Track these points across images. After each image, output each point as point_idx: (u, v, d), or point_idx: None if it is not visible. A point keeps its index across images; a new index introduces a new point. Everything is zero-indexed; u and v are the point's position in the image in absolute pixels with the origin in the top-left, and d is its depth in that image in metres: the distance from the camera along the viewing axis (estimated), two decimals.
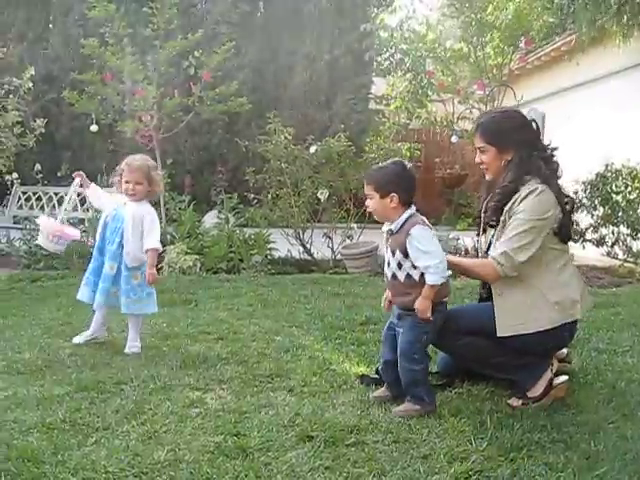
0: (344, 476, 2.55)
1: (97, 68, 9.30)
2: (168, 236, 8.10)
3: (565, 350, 3.75)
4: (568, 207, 3.38)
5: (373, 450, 2.78)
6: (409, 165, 3.34)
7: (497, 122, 3.49)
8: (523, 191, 3.26)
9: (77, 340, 4.47)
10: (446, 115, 11.97)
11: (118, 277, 4.34)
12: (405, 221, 3.21)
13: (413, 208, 3.25)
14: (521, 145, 3.37)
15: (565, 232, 3.33)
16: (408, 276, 3.22)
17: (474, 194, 11.84)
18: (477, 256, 3.69)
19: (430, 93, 12.73)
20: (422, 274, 3.17)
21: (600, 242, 7.93)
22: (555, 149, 3.49)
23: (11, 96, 9.17)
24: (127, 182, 4.31)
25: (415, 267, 3.18)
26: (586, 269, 7.31)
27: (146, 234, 4.33)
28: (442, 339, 3.41)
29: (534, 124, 3.49)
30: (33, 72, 9.49)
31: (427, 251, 3.14)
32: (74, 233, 4.64)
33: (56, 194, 10.29)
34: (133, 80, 8.62)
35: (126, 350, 4.31)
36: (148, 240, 4.32)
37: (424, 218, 3.25)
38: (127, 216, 4.32)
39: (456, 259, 3.47)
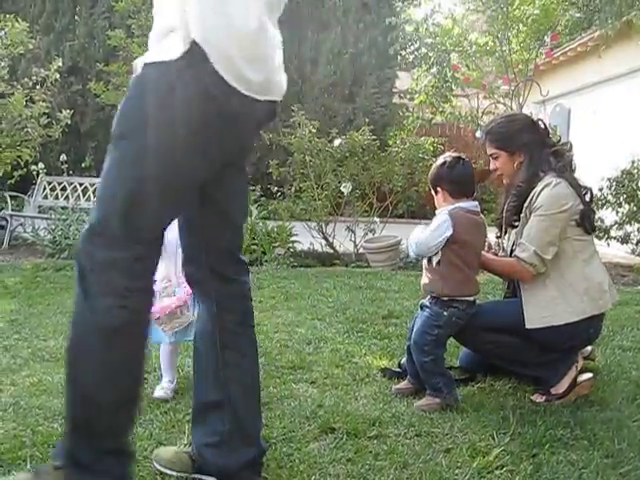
0: (366, 468, 2.56)
1: (123, 59, 9.35)
2: None
3: (589, 347, 3.73)
4: (587, 197, 3.37)
5: (395, 443, 2.78)
6: (458, 162, 3.33)
7: (503, 127, 3.53)
8: (538, 186, 3.29)
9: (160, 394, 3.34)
10: (471, 110, 11.92)
11: None
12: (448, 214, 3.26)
13: (465, 204, 3.27)
14: (530, 145, 3.41)
15: (588, 222, 3.32)
16: (430, 260, 3.31)
17: (497, 189, 11.78)
18: (498, 253, 3.68)
19: (455, 88, 12.67)
20: (438, 261, 3.24)
21: (625, 239, 7.86)
22: (566, 144, 3.51)
23: (38, 87, 9.24)
24: None
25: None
26: (610, 266, 7.25)
27: None
28: (466, 335, 3.42)
29: (541, 123, 3.54)
30: (61, 64, 9.55)
31: (427, 231, 3.26)
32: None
33: (81, 184, 10.37)
34: None
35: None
36: None
37: (469, 216, 3.27)
38: None
39: (488, 259, 3.45)
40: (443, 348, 3.36)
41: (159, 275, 3.11)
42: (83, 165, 13.25)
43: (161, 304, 3.23)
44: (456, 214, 3.22)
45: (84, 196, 10.09)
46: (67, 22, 13.77)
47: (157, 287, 3.13)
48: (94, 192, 10.09)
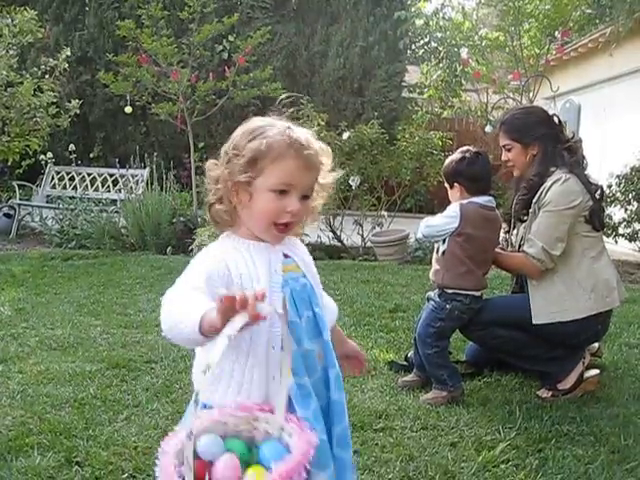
0: (372, 460, 2.56)
1: (132, 50, 9.34)
2: (199, 219, 8.16)
3: (596, 344, 3.72)
4: (597, 195, 3.35)
5: (401, 436, 2.79)
6: (478, 158, 3.34)
7: (520, 118, 3.51)
8: (548, 182, 3.28)
9: None
10: (480, 105, 11.88)
11: None
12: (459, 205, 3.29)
13: (479, 199, 3.28)
14: (545, 139, 3.38)
15: (597, 219, 3.31)
16: (438, 249, 3.37)
17: (505, 184, 11.76)
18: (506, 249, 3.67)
19: (464, 82, 12.62)
20: (444, 251, 3.29)
21: (633, 237, 7.82)
22: (579, 141, 3.48)
23: (47, 76, 9.26)
24: (286, 190, 1.67)
25: (444, 241, 3.29)
26: (618, 264, 7.21)
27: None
28: (473, 330, 3.42)
29: (555, 118, 3.51)
30: (69, 53, 9.57)
31: (439, 216, 3.33)
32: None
33: (89, 174, 10.37)
34: (168, 63, 8.64)
35: None
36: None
37: (480, 211, 3.27)
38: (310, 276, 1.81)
39: (496, 253, 3.45)
40: (447, 340, 3.37)
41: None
42: (91, 155, 13.23)
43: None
44: (467, 208, 3.23)
45: (92, 186, 10.11)
46: (76, 12, 13.71)
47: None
48: (102, 182, 10.13)
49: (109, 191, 9.92)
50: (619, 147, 9.47)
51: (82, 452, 2.56)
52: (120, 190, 9.45)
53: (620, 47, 9.44)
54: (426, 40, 14.94)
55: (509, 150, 3.47)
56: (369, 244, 8.01)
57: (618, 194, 7.78)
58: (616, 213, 7.81)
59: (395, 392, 3.31)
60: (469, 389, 3.35)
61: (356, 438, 2.74)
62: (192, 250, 7.43)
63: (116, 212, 8.45)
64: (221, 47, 12.74)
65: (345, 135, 7.97)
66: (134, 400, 3.13)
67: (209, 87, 8.94)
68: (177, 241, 7.79)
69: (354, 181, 7.94)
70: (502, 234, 3.66)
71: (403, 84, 14.78)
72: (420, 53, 15.82)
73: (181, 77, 8.62)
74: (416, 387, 3.36)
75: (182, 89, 8.67)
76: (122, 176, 9.78)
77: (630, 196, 7.75)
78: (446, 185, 3.41)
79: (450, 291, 3.26)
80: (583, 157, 3.42)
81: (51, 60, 9.35)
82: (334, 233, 8.24)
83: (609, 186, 7.63)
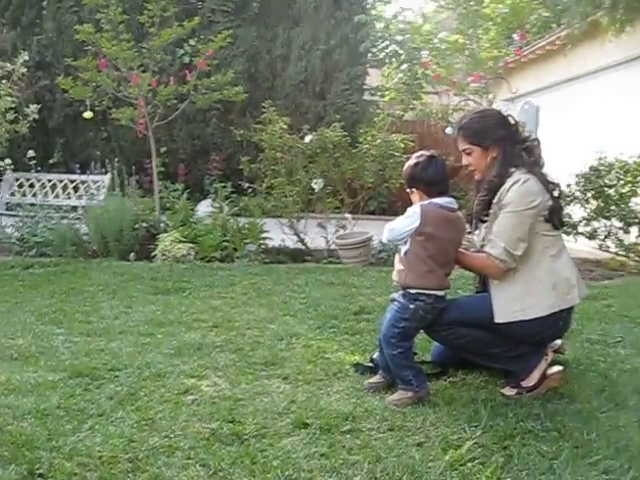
0: (339, 463, 2.56)
1: (91, 54, 9.24)
2: (162, 224, 8.10)
3: (559, 341, 3.77)
4: (555, 193, 3.40)
5: (368, 437, 2.79)
6: (431, 162, 3.36)
7: (477, 122, 3.53)
8: (508, 183, 3.32)
9: None
10: (441, 107, 11.98)
11: None
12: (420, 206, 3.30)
13: (439, 199, 3.30)
14: (503, 140, 3.43)
15: (557, 218, 3.36)
16: (400, 250, 3.40)
17: (467, 186, 11.84)
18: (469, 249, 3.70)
19: (425, 85, 12.72)
20: (406, 251, 3.32)
21: (592, 235, 7.95)
22: (535, 140, 3.53)
23: (4, 81, 9.13)
24: None
25: (406, 241, 3.31)
26: (578, 262, 7.29)
27: None
28: (437, 330, 3.44)
29: (511, 119, 3.55)
30: (27, 57, 9.44)
31: (400, 218, 3.33)
32: None
33: (49, 181, 10.24)
34: (128, 67, 8.57)
35: None
36: None
37: (440, 211, 3.29)
38: None
39: (459, 253, 3.47)
40: (411, 341, 3.39)
41: None
42: (51, 161, 13.07)
43: None
44: (427, 208, 3.26)
45: (52, 192, 9.98)
46: (34, 16, 13.57)
47: None
48: (63, 188, 10.01)
49: (70, 197, 9.82)
50: (577, 147, 9.63)
51: (45, 464, 2.52)
52: (81, 196, 9.35)
53: (576, 49, 9.61)
54: (387, 43, 15.02)
55: (469, 154, 3.51)
56: (333, 247, 8.01)
57: (577, 193, 7.90)
58: (575, 212, 7.92)
59: (361, 394, 3.31)
60: (435, 389, 3.37)
61: (323, 441, 2.74)
62: (155, 256, 7.38)
63: (77, 219, 8.36)
64: (182, 51, 12.69)
65: (307, 138, 7.99)
66: (98, 409, 3.09)
67: (170, 91, 8.88)
68: (140, 247, 7.73)
69: (317, 184, 7.95)
70: (465, 235, 3.69)
71: (364, 87, 14.87)
72: (381, 56, 15.91)
73: (142, 81, 8.55)
74: (382, 388, 3.36)
75: (143, 93, 8.60)
76: (83, 182, 9.68)
77: (589, 195, 7.87)
78: (407, 190, 3.44)
79: (413, 291, 3.28)
80: (540, 156, 3.47)
81: (8, 65, 9.22)
82: (298, 236, 8.24)
83: (568, 185, 7.74)
